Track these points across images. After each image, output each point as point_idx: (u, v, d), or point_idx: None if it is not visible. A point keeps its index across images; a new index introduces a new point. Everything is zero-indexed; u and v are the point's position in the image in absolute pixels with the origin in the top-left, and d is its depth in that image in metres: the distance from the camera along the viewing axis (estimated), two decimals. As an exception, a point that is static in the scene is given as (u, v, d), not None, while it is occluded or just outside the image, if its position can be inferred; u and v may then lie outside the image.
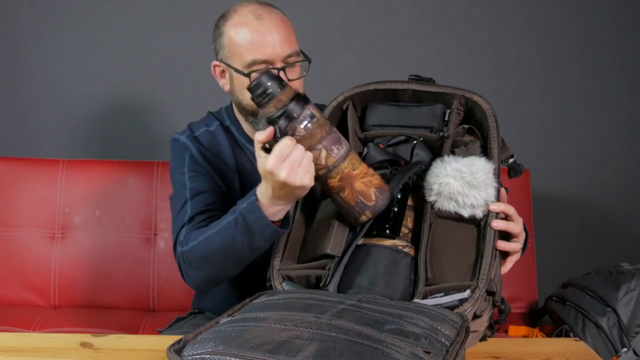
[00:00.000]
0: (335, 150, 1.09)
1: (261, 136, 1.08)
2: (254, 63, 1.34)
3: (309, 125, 1.07)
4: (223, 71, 1.42)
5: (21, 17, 2.31)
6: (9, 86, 2.35)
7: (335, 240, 1.12)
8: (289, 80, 1.34)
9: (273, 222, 1.15)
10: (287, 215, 1.16)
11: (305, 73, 1.39)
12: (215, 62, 1.43)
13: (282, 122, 1.07)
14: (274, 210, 1.14)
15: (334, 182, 1.10)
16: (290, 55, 1.35)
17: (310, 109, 1.08)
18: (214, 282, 1.32)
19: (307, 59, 1.39)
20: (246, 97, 1.38)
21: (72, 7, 2.31)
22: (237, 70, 1.36)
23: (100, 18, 2.31)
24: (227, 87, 1.44)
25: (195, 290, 1.36)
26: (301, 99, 1.08)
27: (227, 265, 1.25)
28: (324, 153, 1.08)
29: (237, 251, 1.20)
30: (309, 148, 1.08)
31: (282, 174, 1.06)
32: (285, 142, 1.06)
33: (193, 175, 1.40)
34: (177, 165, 1.43)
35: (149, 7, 2.31)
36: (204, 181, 1.39)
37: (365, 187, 1.10)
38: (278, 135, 1.07)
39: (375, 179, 1.12)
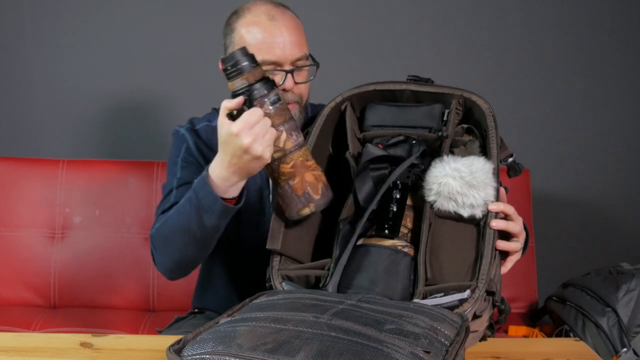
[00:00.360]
0: (295, 136, 1.12)
1: (230, 104, 1.10)
2: (262, 63, 1.33)
3: (276, 105, 1.11)
4: None
5: (21, 17, 2.31)
6: (9, 86, 2.35)
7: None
8: (296, 83, 1.35)
9: (226, 199, 1.17)
10: (242, 193, 1.18)
11: (312, 77, 1.39)
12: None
13: (255, 93, 1.09)
14: (226, 185, 1.16)
15: (286, 167, 1.12)
16: (299, 59, 1.35)
17: (277, 92, 1.11)
18: (179, 266, 1.31)
19: (316, 63, 1.38)
20: None
21: (72, 7, 2.31)
22: None
23: (100, 18, 2.31)
24: None
25: (166, 276, 1.35)
26: (270, 81, 1.12)
27: (187, 246, 1.25)
28: (284, 135, 1.11)
29: (193, 230, 1.21)
30: (272, 127, 1.10)
31: (246, 140, 1.07)
32: (255, 111, 1.08)
33: (184, 165, 1.41)
34: (172, 155, 1.44)
35: (149, 7, 2.31)
36: (193, 173, 1.39)
37: (315, 180, 1.13)
38: (247, 105, 1.10)
39: (323, 176, 1.15)
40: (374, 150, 1.19)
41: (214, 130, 1.45)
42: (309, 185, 1.12)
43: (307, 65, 1.37)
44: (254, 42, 1.33)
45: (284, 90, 1.35)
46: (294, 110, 1.37)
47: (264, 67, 1.32)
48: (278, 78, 1.34)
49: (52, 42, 2.32)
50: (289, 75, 1.34)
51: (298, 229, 1.18)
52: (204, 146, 1.43)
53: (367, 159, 1.18)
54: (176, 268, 1.32)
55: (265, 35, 1.33)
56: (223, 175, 1.15)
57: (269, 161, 1.11)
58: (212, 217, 1.18)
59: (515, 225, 1.12)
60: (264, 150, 1.09)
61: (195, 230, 1.21)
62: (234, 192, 1.17)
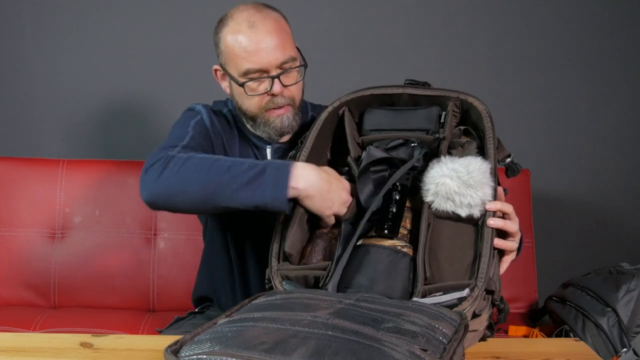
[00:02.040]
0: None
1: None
2: (248, 72, 1.33)
3: None
4: (224, 75, 1.42)
5: (21, 17, 2.31)
6: (9, 86, 2.35)
7: (292, 239, 1.14)
8: (285, 86, 1.34)
9: None
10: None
11: (301, 78, 1.38)
12: (215, 67, 1.43)
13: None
14: (297, 183, 1.15)
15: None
16: (285, 62, 1.33)
17: None
18: (172, 197, 1.20)
19: (304, 63, 1.37)
20: (245, 103, 1.38)
21: (72, 7, 2.31)
22: (232, 78, 1.36)
23: (100, 19, 2.31)
24: (228, 90, 1.44)
25: (150, 198, 1.23)
26: None
27: (204, 193, 1.17)
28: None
29: (221, 186, 1.15)
30: None
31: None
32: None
33: (196, 129, 1.38)
34: (183, 121, 1.40)
35: (149, 7, 2.31)
36: (203, 140, 1.37)
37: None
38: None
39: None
40: (377, 153, 1.19)
41: (227, 119, 1.45)
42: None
43: (294, 68, 1.35)
44: (239, 52, 1.33)
45: (273, 95, 1.34)
46: (288, 112, 1.36)
47: (251, 76, 1.32)
48: (266, 85, 1.33)
49: (52, 43, 2.32)
50: (276, 80, 1.33)
51: (303, 233, 1.19)
52: (218, 125, 1.42)
53: (370, 160, 1.18)
54: (168, 197, 1.20)
55: (248, 44, 1.32)
56: (306, 175, 1.15)
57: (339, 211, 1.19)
58: (255, 194, 1.14)
59: (513, 224, 1.12)
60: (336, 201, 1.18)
61: (223, 187, 1.15)
62: (291, 193, 1.15)
